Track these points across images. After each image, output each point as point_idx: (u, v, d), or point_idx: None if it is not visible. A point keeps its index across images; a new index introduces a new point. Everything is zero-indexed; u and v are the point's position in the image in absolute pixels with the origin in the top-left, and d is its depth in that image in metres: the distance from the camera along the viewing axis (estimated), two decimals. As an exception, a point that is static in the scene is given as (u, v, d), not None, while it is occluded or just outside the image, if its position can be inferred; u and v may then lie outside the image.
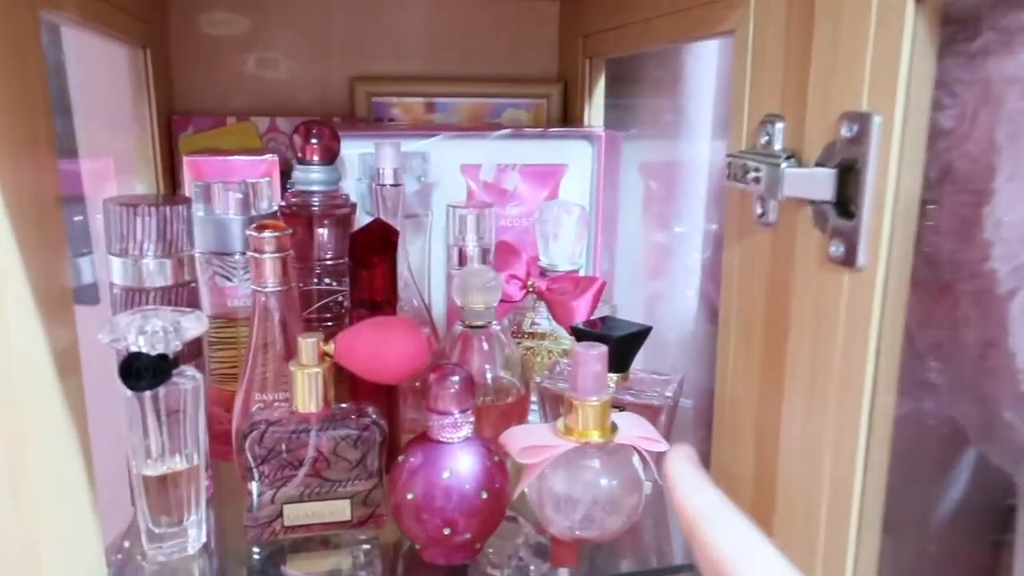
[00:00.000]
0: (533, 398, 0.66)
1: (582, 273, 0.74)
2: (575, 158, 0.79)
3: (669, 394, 0.60)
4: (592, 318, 0.68)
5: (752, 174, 0.47)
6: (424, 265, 0.76)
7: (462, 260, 0.70)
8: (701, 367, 0.81)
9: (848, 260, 0.41)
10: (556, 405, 0.62)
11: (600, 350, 0.52)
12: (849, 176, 0.42)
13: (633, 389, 0.61)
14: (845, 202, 0.42)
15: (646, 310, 0.83)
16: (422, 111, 0.87)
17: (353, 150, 0.75)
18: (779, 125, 0.48)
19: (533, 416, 0.66)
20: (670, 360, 0.82)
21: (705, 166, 0.79)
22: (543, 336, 0.73)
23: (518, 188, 0.78)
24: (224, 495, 0.62)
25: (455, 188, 0.77)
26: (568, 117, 0.89)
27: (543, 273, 0.73)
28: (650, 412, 0.59)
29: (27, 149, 0.41)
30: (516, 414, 0.64)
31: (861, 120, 0.40)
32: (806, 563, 0.46)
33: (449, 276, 0.72)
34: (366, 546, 0.57)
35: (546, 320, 0.73)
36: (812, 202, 0.44)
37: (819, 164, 0.44)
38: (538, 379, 0.63)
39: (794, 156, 0.46)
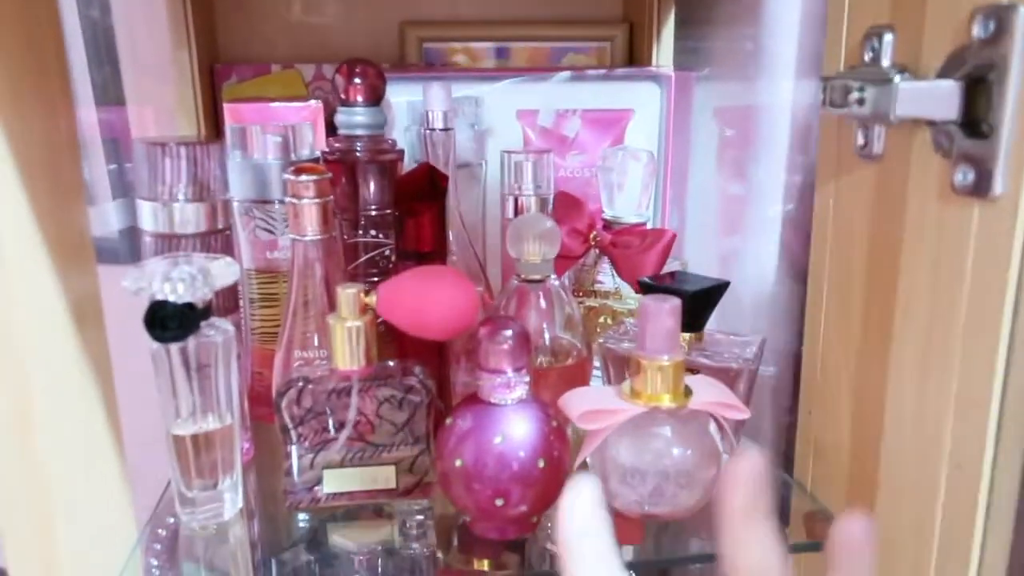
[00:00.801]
0: (596, 362, 0.60)
1: (649, 226, 0.68)
2: (642, 102, 0.72)
3: (749, 356, 0.53)
4: (661, 273, 0.62)
5: (855, 95, 0.40)
6: (478, 218, 0.71)
7: (517, 211, 0.64)
8: (781, 329, 0.73)
9: (980, 189, 0.34)
10: (622, 369, 0.57)
11: (672, 303, 0.45)
12: (979, 89, 0.35)
13: (708, 350, 0.55)
14: (974, 121, 0.35)
15: (720, 267, 0.76)
16: (477, 57, 0.82)
17: (401, 96, 0.71)
18: (887, 37, 0.41)
19: (595, 382, 0.61)
20: (746, 322, 0.75)
21: (787, 109, 0.71)
22: (606, 294, 0.67)
23: (579, 135, 0.72)
24: (269, 460, 0.58)
25: (511, 135, 0.71)
26: (634, 62, 0.82)
27: (607, 226, 0.67)
28: (727, 376, 0.53)
29: (35, 95, 0.38)
30: (576, 378, 0.59)
31: (1001, 14, 0.33)
32: (917, 549, 0.40)
33: (504, 230, 0.67)
34: (419, 516, 0.52)
35: (610, 277, 0.67)
36: (932, 123, 0.37)
37: (940, 77, 0.37)
38: (601, 339, 0.57)
39: (907, 71, 0.39)
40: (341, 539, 0.51)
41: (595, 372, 0.61)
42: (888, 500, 0.42)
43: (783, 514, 0.55)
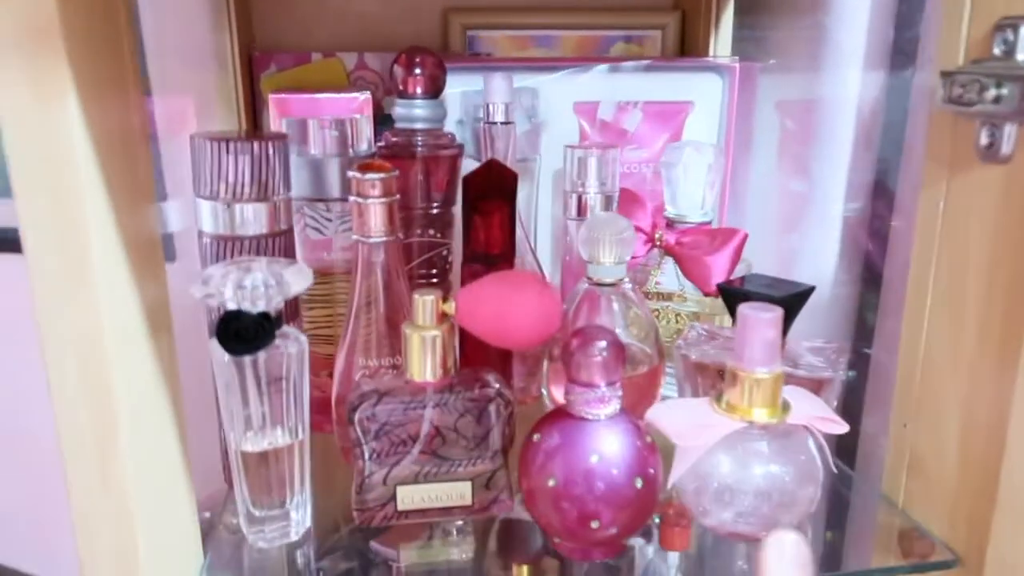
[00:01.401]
0: (668, 368, 0.57)
1: (714, 226, 0.65)
2: (702, 94, 0.69)
3: (838, 365, 0.51)
4: (731, 277, 0.59)
5: (992, 92, 0.37)
6: (531, 216, 0.68)
7: (581, 210, 0.61)
8: (840, 333, 0.71)
9: None
10: (696, 377, 0.54)
11: (774, 313, 0.43)
12: None
13: (791, 359, 0.52)
14: None
15: (780, 268, 0.73)
16: (521, 46, 0.78)
17: (453, 88, 0.67)
18: (1025, 29, 0.38)
19: (667, 390, 0.58)
20: (803, 324, 0.72)
21: (853, 103, 0.68)
22: (669, 296, 0.64)
23: (638, 129, 0.69)
24: (318, 472, 0.55)
25: (567, 129, 0.68)
26: (686, 51, 0.78)
27: (669, 225, 0.64)
28: (812, 386, 0.51)
29: (113, 86, 0.35)
30: (649, 387, 0.56)
31: None
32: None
33: (563, 229, 0.64)
34: (459, 522, 0.50)
35: (671, 278, 0.64)
36: (1085, 124, 0.34)
37: (1096, 74, 0.34)
38: (677, 345, 0.55)
39: (1050, 68, 0.36)
40: (383, 547, 0.48)
41: (666, 379, 0.58)
42: (1009, 521, 0.40)
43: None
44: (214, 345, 0.41)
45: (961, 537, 0.45)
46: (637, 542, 0.49)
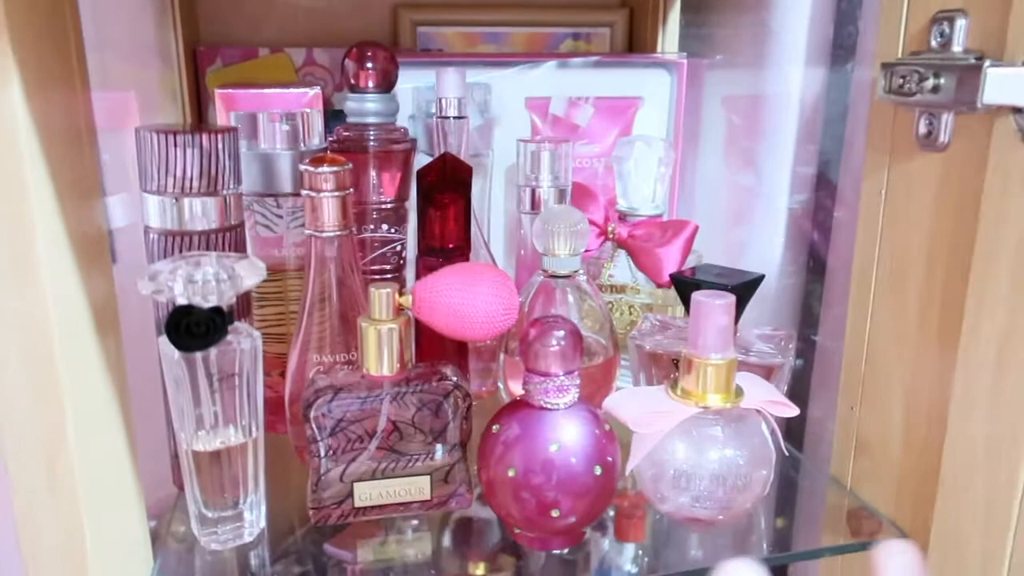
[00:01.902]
0: (623, 359, 0.58)
1: (664, 218, 0.66)
2: (651, 90, 0.70)
3: (787, 351, 0.52)
4: (683, 268, 0.60)
5: (930, 82, 0.39)
6: (485, 211, 0.68)
7: (534, 204, 0.62)
8: (786, 321, 0.73)
9: (1080, 179, 0.33)
10: (650, 366, 0.55)
11: (727, 300, 0.44)
12: (1068, 77, 0.34)
13: (742, 347, 0.54)
14: (1062, 110, 0.34)
15: (730, 258, 0.74)
16: (472, 42, 0.78)
17: (405, 83, 0.67)
18: (960, 22, 0.39)
19: (622, 381, 0.59)
20: (751, 313, 0.74)
21: (796, 97, 0.70)
22: (622, 288, 0.65)
23: (589, 124, 0.69)
24: (271, 472, 0.54)
25: (519, 124, 0.68)
26: (634, 48, 0.79)
27: (622, 218, 0.65)
28: (763, 372, 0.52)
29: (58, 79, 0.34)
30: (604, 378, 0.57)
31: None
32: (986, 549, 0.39)
33: (517, 223, 0.64)
34: (414, 520, 0.49)
35: (624, 270, 0.65)
36: (1018, 111, 0.36)
37: (1026, 64, 0.35)
38: (632, 336, 0.55)
39: (984, 57, 0.38)
40: (336, 549, 0.48)
41: (621, 370, 0.59)
42: (952, 497, 0.41)
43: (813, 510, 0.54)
44: (164, 342, 0.40)
45: (907, 515, 0.47)
46: (593, 534, 0.50)
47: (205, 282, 0.39)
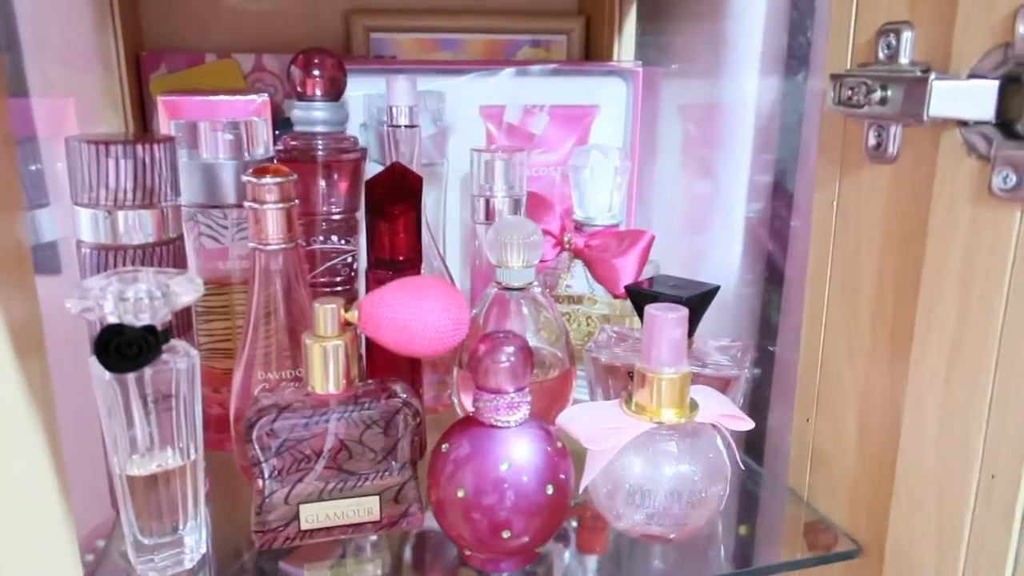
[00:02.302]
0: (579, 372, 0.57)
1: (621, 228, 0.65)
2: (607, 98, 0.70)
3: (743, 362, 0.52)
4: (640, 278, 0.60)
5: (877, 94, 0.39)
6: (440, 222, 0.67)
7: (489, 214, 0.61)
8: (744, 331, 0.73)
9: (1024, 192, 0.33)
10: (607, 379, 0.54)
11: (679, 313, 0.43)
12: (1011, 89, 0.34)
13: (698, 358, 0.53)
14: (1007, 122, 0.34)
15: (687, 268, 0.74)
16: (426, 49, 0.77)
17: (356, 91, 0.65)
18: (906, 34, 0.39)
19: (579, 393, 0.58)
20: (708, 324, 0.74)
21: (752, 106, 0.70)
22: (579, 299, 0.64)
23: (544, 132, 0.68)
24: (220, 492, 0.52)
25: (474, 133, 0.67)
26: (591, 56, 0.79)
27: (578, 228, 0.64)
28: (719, 384, 0.51)
29: None
30: (561, 391, 0.56)
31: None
32: (939, 563, 0.39)
33: (471, 233, 0.63)
34: (372, 537, 0.48)
35: (581, 281, 0.64)
36: (963, 124, 0.36)
37: (972, 77, 0.35)
38: (588, 348, 0.54)
39: (930, 69, 0.38)
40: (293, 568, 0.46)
41: (577, 382, 0.58)
42: (905, 510, 0.41)
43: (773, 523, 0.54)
44: (94, 362, 0.38)
45: (862, 527, 0.46)
46: (555, 547, 0.49)
47: (137, 299, 0.38)
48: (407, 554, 0.48)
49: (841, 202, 0.45)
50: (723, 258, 0.73)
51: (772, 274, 0.70)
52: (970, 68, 0.35)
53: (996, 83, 0.34)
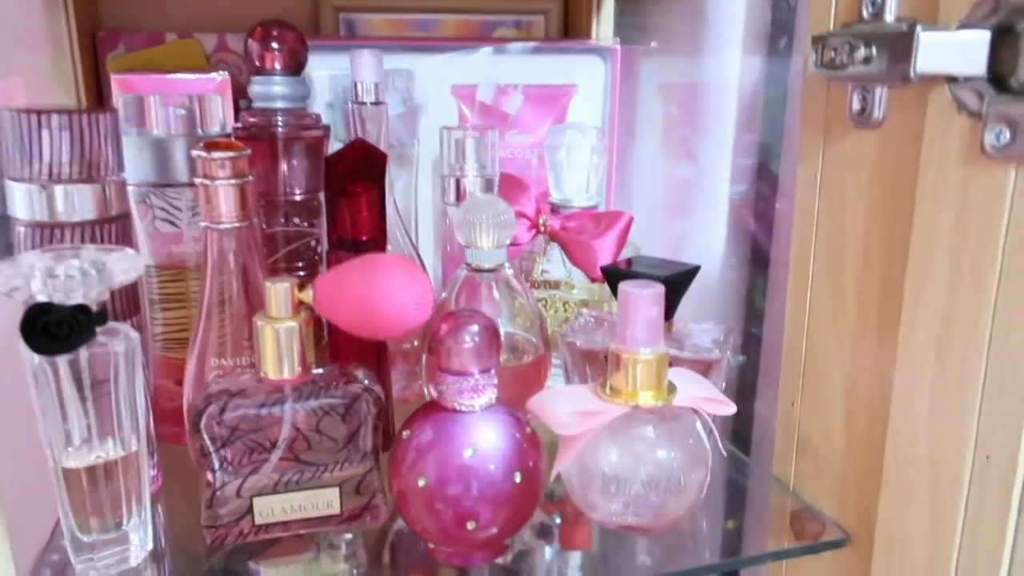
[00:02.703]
0: (554, 359, 0.55)
1: (599, 210, 0.63)
2: (585, 77, 0.67)
3: (724, 345, 0.49)
4: (618, 260, 0.57)
5: (861, 52, 0.36)
6: (411, 205, 0.64)
7: (460, 195, 0.58)
8: (729, 314, 0.70)
9: (1020, 149, 0.31)
10: (584, 365, 0.51)
11: (655, 289, 0.41)
12: (1005, 41, 0.31)
13: (678, 341, 0.51)
14: (1000, 76, 0.32)
15: (668, 252, 0.72)
16: (399, 30, 0.74)
17: (323, 70, 0.63)
18: (891, -11, 0.37)
19: (555, 380, 0.55)
20: (691, 308, 0.71)
21: (734, 85, 0.68)
22: (556, 284, 0.62)
23: (520, 113, 0.66)
24: (179, 488, 0.49)
25: (445, 113, 0.65)
26: (569, 36, 0.76)
27: (554, 210, 0.62)
28: (700, 368, 0.49)
29: None
30: (535, 377, 0.53)
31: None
32: (932, 549, 0.36)
33: (442, 216, 0.60)
34: (347, 535, 0.45)
35: (558, 265, 0.61)
36: (952, 80, 0.33)
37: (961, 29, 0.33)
38: (563, 333, 0.52)
39: (916, 24, 0.35)
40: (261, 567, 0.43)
41: (553, 370, 0.55)
42: (896, 497, 0.39)
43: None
44: (22, 344, 0.36)
45: (850, 516, 0.44)
46: (538, 544, 0.46)
47: (68, 276, 0.35)
48: (386, 551, 0.46)
49: (825, 175, 0.43)
50: (706, 241, 0.71)
51: (757, 257, 0.67)
52: (960, 19, 0.33)
53: (987, 34, 0.32)
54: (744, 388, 0.67)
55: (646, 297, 0.40)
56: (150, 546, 0.42)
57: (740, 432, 0.65)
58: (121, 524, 0.41)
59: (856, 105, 0.39)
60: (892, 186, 0.38)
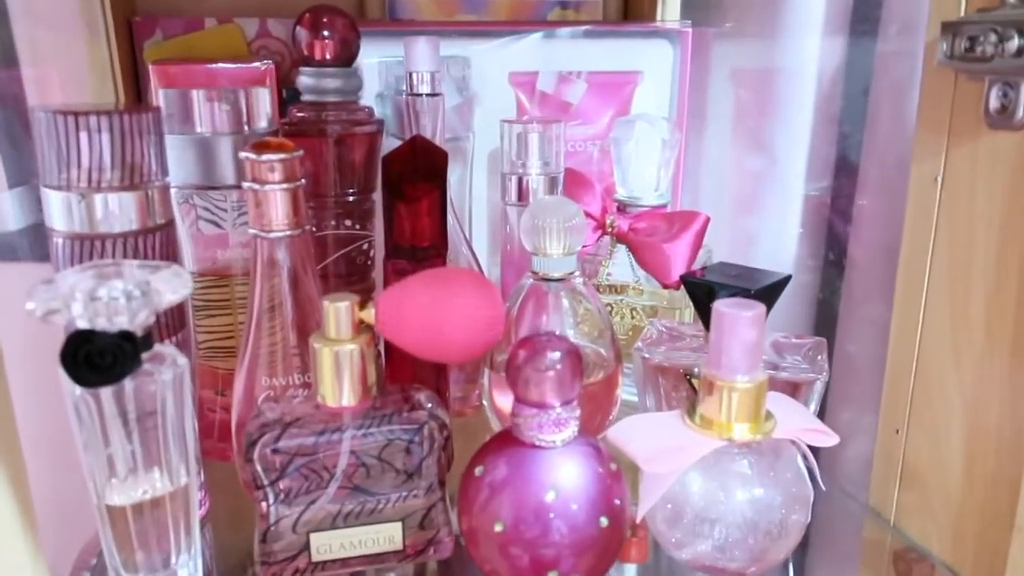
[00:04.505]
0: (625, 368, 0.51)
1: (668, 208, 0.58)
2: (651, 63, 0.62)
3: (824, 365, 0.45)
4: (693, 268, 0.53)
5: (1014, 43, 0.31)
6: (465, 203, 0.60)
7: (521, 194, 0.54)
8: (801, 324, 0.66)
9: None
10: (656, 377, 0.47)
11: (756, 311, 0.36)
12: None
13: (768, 358, 0.46)
14: None
15: (737, 253, 0.67)
16: (448, 11, 0.70)
17: (371, 57, 0.59)
18: (1048, -34, 0.32)
19: (626, 393, 0.51)
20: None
21: (813, 70, 0.62)
22: (623, 289, 0.57)
23: (582, 102, 0.61)
24: (222, 509, 0.46)
25: (502, 103, 0.60)
26: (629, 17, 0.71)
27: (620, 209, 0.57)
28: (790, 390, 0.44)
29: None
30: (606, 395, 0.49)
31: None
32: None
33: (502, 216, 0.56)
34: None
35: (624, 269, 0.57)
36: None
37: None
38: (636, 348, 0.48)
39: (1082, 10, 0.30)
40: None
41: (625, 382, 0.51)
42: (1033, 546, 0.34)
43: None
44: (63, 374, 0.32)
45: (968, 560, 0.40)
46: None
47: (111, 299, 0.31)
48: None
49: (949, 178, 0.38)
50: (778, 241, 0.66)
51: (836, 259, 0.62)
52: None
53: None
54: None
55: (746, 319, 0.36)
56: (200, 582, 0.39)
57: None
58: (169, 562, 0.37)
59: (994, 102, 0.34)
60: (1038, 195, 0.33)
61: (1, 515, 0.31)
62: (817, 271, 0.64)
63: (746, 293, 0.42)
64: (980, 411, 0.38)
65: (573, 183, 0.56)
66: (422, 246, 0.45)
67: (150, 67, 0.51)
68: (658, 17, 0.67)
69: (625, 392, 0.51)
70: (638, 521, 0.37)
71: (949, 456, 0.40)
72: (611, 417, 0.49)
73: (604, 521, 0.35)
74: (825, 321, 0.64)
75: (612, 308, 0.57)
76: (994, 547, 0.36)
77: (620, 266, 0.57)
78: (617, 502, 0.36)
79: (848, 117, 0.61)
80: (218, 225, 0.49)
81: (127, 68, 0.60)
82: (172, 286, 0.33)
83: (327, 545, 0.39)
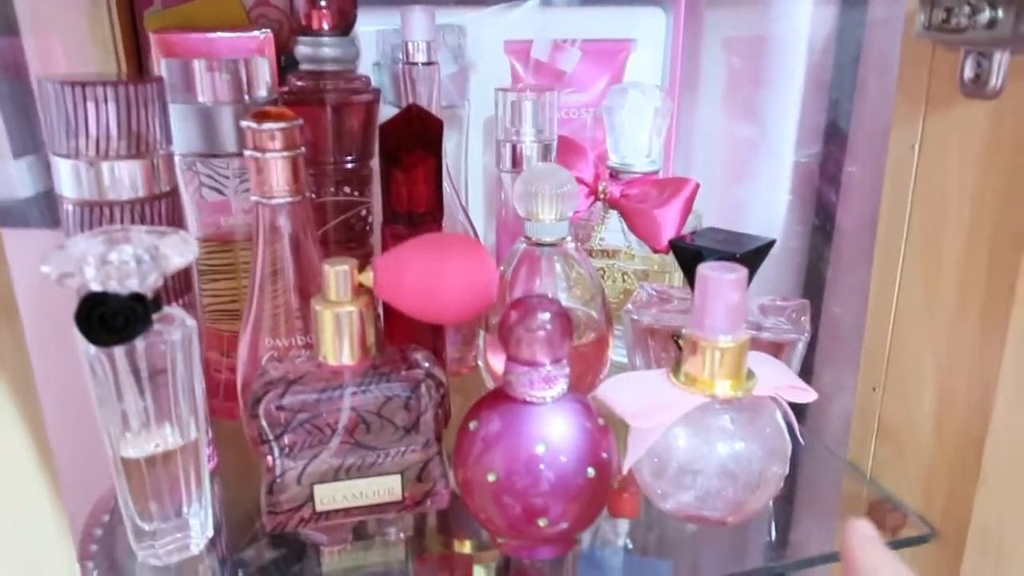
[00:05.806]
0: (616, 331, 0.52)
1: (660, 175, 0.59)
2: (645, 31, 0.63)
3: (806, 325, 0.46)
4: (683, 231, 0.54)
5: (986, 15, 0.32)
6: (460, 169, 0.61)
7: (516, 160, 0.55)
8: (790, 288, 0.67)
9: None
10: (646, 339, 0.49)
11: (738, 273, 0.38)
12: None
13: (749, 321, 0.48)
14: None
15: (728, 219, 0.69)
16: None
17: (368, 26, 0.59)
18: (1022, -61, 0.33)
19: (617, 354, 0.53)
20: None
21: (804, 39, 0.63)
22: (614, 254, 0.59)
23: (575, 70, 0.62)
24: (230, 465, 0.48)
25: (497, 71, 0.61)
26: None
27: (613, 175, 0.59)
28: (774, 350, 0.46)
29: None
30: (597, 356, 0.51)
31: None
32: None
33: (497, 183, 0.57)
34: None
35: (616, 234, 0.59)
36: (1095, 47, 0.29)
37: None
38: (626, 310, 0.49)
39: (1051, -18, 0.31)
40: (317, 534, 0.43)
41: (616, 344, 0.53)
42: (995, 494, 0.36)
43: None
44: (78, 334, 0.34)
45: (938, 510, 0.42)
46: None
47: (122, 263, 0.33)
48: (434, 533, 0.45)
49: (925, 145, 0.39)
50: (769, 208, 0.67)
51: (824, 225, 0.64)
52: (1108, -22, 0.29)
53: None
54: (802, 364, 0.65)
55: (729, 282, 0.38)
56: (210, 532, 0.41)
57: (794, 410, 0.63)
58: (181, 512, 0.40)
59: (969, 72, 0.36)
60: (1007, 161, 0.35)
61: (24, 468, 0.33)
62: (806, 236, 0.66)
63: (731, 257, 0.44)
64: (951, 371, 0.40)
65: (567, 150, 0.57)
66: (419, 212, 0.47)
67: (151, 36, 0.52)
68: (652, -15, 0.68)
69: (616, 353, 0.53)
70: (624, 472, 0.39)
71: (921, 413, 0.42)
72: (602, 377, 0.51)
73: (591, 472, 0.37)
74: (813, 285, 0.66)
75: (604, 272, 0.59)
76: (962, 498, 0.39)
77: (612, 231, 0.58)
78: (604, 455, 0.38)
79: (838, 85, 0.62)
80: (221, 192, 0.51)
81: (128, 39, 0.61)
82: (179, 250, 0.35)
83: (330, 496, 0.41)
